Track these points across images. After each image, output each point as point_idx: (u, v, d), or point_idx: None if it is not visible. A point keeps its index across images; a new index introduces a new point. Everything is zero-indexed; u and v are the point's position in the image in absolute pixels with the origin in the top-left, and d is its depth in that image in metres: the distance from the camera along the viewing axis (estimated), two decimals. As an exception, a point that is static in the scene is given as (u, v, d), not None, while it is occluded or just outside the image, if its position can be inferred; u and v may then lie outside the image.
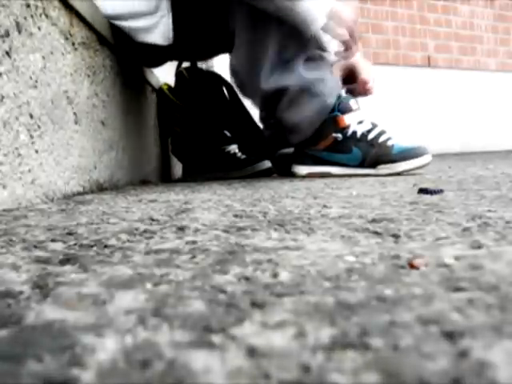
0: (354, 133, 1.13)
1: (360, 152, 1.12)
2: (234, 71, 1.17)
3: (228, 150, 1.44)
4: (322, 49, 1.12)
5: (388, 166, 1.11)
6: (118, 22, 1.08)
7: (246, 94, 1.23)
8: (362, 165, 1.13)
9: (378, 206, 0.52)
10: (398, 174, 1.10)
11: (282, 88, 1.11)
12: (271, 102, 1.15)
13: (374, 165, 1.12)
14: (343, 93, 1.16)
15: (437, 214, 0.45)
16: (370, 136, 1.13)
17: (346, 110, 1.13)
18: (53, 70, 0.71)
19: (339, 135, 1.13)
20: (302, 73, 1.10)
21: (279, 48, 1.09)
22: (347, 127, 1.13)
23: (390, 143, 1.12)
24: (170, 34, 1.13)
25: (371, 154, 1.11)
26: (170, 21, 1.12)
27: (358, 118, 1.14)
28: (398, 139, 1.14)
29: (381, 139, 1.12)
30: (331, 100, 1.12)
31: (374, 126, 1.15)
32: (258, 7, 1.05)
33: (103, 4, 1.03)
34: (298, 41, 1.09)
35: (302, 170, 1.19)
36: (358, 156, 1.12)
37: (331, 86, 1.13)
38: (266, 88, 1.12)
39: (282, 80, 1.10)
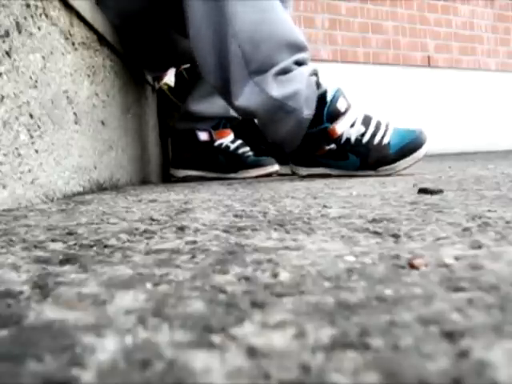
0: (348, 140, 1.08)
1: (356, 158, 1.09)
2: (206, 79, 1.10)
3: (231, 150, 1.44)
4: (302, 50, 1.07)
5: (388, 167, 1.10)
6: None
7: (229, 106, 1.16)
8: (361, 168, 1.11)
9: (378, 206, 0.52)
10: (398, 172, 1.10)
11: (251, 112, 1.06)
12: (247, 116, 1.13)
13: (373, 167, 1.10)
14: (329, 95, 1.09)
15: (437, 213, 0.45)
16: (365, 139, 1.08)
17: (335, 116, 1.08)
18: (53, 70, 0.71)
19: (333, 146, 1.09)
20: (272, 91, 1.03)
21: (245, 62, 1.02)
22: (340, 136, 1.08)
23: (385, 141, 1.08)
24: None
25: (369, 158, 1.09)
26: None
27: (350, 121, 1.09)
28: (394, 125, 1.11)
29: (376, 140, 1.08)
30: (308, 112, 1.06)
31: (368, 120, 1.10)
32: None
33: None
34: (267, 53, 1.02)
35: (302, 170, 1.18)
36: (356, 162, 1.10)
37: (306, 96, 1.06)
38: (238, 106, 1.06)
39: (251, 101, 1.04)
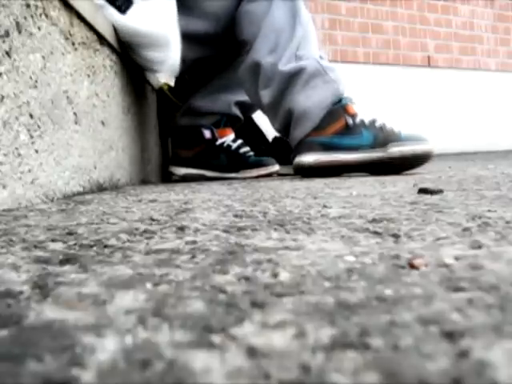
0: (362, 120, 1.17)
1: (370, 134, 1.14)
2: (254, 60, 1.22)
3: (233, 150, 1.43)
4: None
5: (398, 143, 1.11)
6: (136, 50, 1.14)
7: (262, 85, 1.24)
8: (372, 146, 1.12)
9: (378, 206, 0.52)
10: (405, 161, 1.11)
11: (300, 68, 1.19)
12: (287, 84, 1.19)
13: (384, 144, 1.12)
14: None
15: (437, 213, 0.45)
16: (377, 123, 1.16)
17: (352, 102, 1.20)
18: (53, 70, 0.71)
19: (350, 119, 1.16)
20: (318, 59, 1.21)
21: (298, 44, 1.21)
22: (356, 115, 1.17)
23: (396, 130, 1.16)
24: (177, 68, 1.22)
25: (381, 136, 1.14)
26: (179, 55, 1.20)
27: (363, 109, 1.20)
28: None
29: (387, 126, 1.16)
30: (342, 87, 1.19)
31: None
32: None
33: (125, 25, 1.07)
34: (313, 46, 1.24)
35: (309, 157, 1.16)
36: (369, 137, 1.14)
37: (341, 76, 1.22)
38: (285, 69, 1.19)
39: (300, 63, 1.20)
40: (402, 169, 1.14)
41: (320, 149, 1.16)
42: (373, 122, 1.17)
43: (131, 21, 1.07)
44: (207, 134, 1.40)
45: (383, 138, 1.13)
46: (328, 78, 1.19)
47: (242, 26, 1.23)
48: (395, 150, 1.11)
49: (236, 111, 1.42)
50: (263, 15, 1.21)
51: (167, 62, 1.18)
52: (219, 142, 1.41)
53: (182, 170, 1.44)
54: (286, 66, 1.19)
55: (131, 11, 1.05)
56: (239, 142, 1.43)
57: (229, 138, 1.42)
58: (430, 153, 1.14)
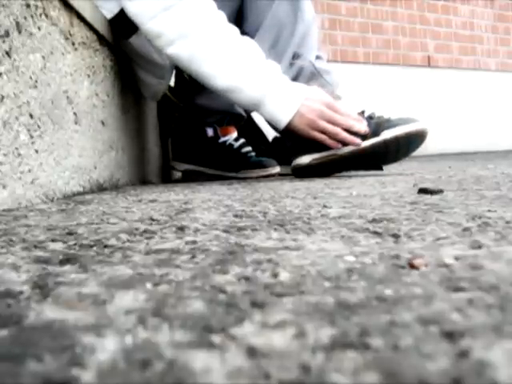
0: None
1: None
2: None
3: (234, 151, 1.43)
4: None
5: (391, 130, 1.10)
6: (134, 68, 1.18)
7: None
8: (366, 137, 1.12)
9: (378, 206, 0.52)
10: (400, 139, 1.10)
11: (299, 69, 1.23)
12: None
13: (377, 133, 1.11)
14: None
15: (437, 213, 0.45)
16: (366, 114, 1.16)
17: (340, 98, 1.25)
18: (53, 70, 0.71)
19: None
20: (313, 62, 1.25)
21: (298, 43, 1.25)
22: None
23: (386, 117, 1.15)
24: (159, 95, 1.33)
25: (372, 124, 1.12)
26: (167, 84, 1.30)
27: (351, 105, 1.24)
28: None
29: (377, 115, 1.16)
30: (337, 90, 1.24)
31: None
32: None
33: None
34: (311, 46, 1.28)
35: (305, 159, 1.16)
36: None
37: (337, 79, 1.25)
38: (285, 70, 1.22)
39: (296, 65, 1.23)
40: (399, 154, 1.13)
41: (314, 148, 1.16)
42: (362, 113, 1.17)
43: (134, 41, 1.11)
44: (210, 131, 1.41)
45: (375, 127, 1.12)
46: (323, 81, 1.20)
47: (246, 18, 1.24)
48: (389, 134, 1.11)
49: (239, 109, 1.42)
50: (266, 7, 1.22)
51: (155, 87, 1.24)
52: (221, 140, 1.41)
53: (183, 166, 1.44)
54: (287, 65, 1.20)
55: (134, 36, 1.09)
56: (241, 141, 1.42)
57: (231, 136, 1.42)
58: (424, 131, 1.11)
